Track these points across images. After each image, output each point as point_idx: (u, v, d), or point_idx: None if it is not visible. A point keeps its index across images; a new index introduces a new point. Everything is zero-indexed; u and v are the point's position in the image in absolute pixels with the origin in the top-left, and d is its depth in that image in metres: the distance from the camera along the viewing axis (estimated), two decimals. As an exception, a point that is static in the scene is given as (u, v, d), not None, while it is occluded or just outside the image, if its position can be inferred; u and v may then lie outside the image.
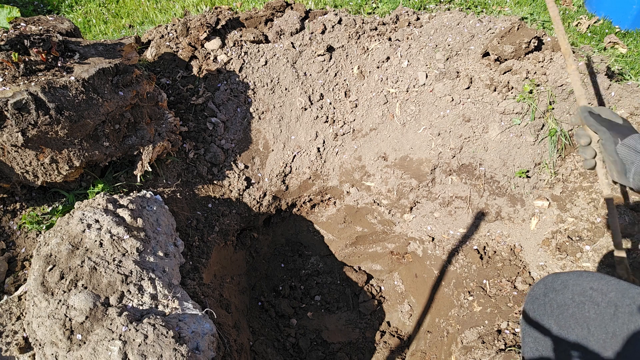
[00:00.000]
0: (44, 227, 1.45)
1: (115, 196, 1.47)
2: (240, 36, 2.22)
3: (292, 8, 2.39)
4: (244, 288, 2.10)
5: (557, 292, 0.87)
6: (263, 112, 2.17)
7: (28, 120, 1.23)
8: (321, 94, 2.22)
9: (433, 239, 2.06)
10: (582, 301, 0.82)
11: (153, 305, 1.23)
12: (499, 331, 1.60)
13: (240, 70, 2.15)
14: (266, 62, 2.18)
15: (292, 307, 2.23)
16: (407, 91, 2.16)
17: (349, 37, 2.28)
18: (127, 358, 1.06)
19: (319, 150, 2.21)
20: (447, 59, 2.15)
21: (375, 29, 2.36)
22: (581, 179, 1.90)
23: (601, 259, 1.67)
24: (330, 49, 2.25)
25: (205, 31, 2.15)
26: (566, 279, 0.88)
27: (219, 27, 2.21)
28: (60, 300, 1.13)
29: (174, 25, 2.29)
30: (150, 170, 1.70)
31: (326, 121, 2.22)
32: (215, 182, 2.01)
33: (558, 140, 1.92)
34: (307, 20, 2.37)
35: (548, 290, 0.90)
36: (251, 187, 2.09)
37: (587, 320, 0.80)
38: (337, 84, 2.26)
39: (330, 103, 2.24)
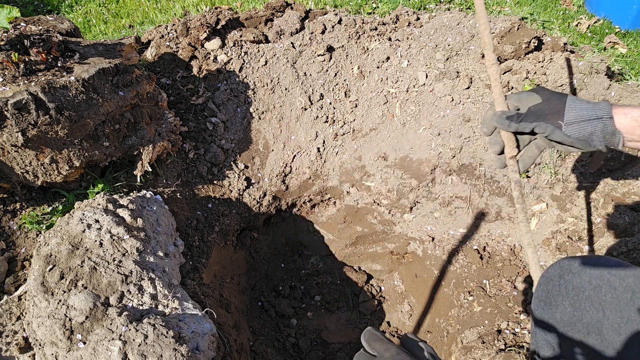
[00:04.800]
0: (44, 227, 1.45)
1: (115, 196, 1.47)
2: (240, 36, 2.22)
3: (292, 8, 2.39)
4: (244, 288, 2.10)
5: (574, 275, 0.87)
6: (263, 112, 2.17)
7: (28, 120, 1.23)
8: (321, 94, 2.22)
9: (433, 239, 2.06)
10: (599, 284, 0.82)
11: (153, 305, 1.23)
12: (499, 331, 1.60)
13: (240, 70, 2.15)
14: (266, 62, 2.18)
15: (292, 307, 2.23)
16: (407, 91, 2.16)
17: (349, 37, 2.28)
18: (127, 358, 1.06)
19: (319, 150, 2.21)
20: (447, 59, 2.15)
21: (375, 29, 2.36)
22: (581, 179, 1.90)
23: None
24: (330, 49, 2.25)
25: (205, 31, 2.15)
26: (583, 262, 0.88)
27: (219, 27, 2.21)
28: (60, 300, 1.13)
29: (174, 25, 2.29)
30: (150, 170, 1.70)
31: (326, 121, 2.22)
32: (215, 182, 2.01)
33: (558, 140, 1.92)
34: (307, 20, 2.37)
35: (564, 272, 0.90)
36: (251, 187, 2.09)
37: (603, 304, 0.80)
38: (337, 84, 2.26)
39: (330, 103, 2.24)
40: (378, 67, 2.26)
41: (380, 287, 2.34)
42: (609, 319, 0.79)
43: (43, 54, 1.40)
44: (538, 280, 0.96)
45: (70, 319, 1.10)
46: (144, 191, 1.60)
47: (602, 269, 0.84)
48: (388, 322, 2.21)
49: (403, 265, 2.27)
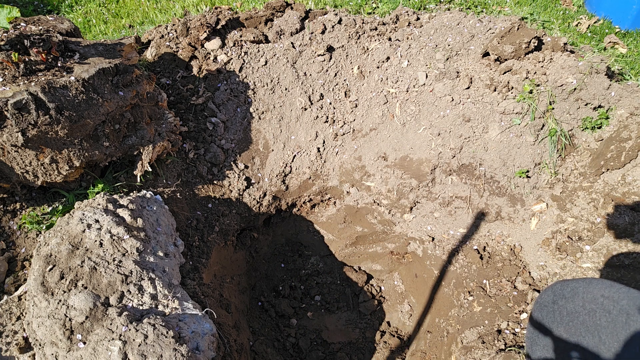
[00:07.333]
0: (44, 227, 1.45)
1: (115, 196, 1.47)
2: (240, 36, 2.22)
3: (292, 8, 2.39)
4: (244, 288, 2.10)
5: (567, 300, 0.86)
6: (263, 112, 2.17)
7: (28, 120, 1.23)
8: (321, 94, 2.22)
9: (433, 239, 2.06)
10: (593, 309, 0.82)
11: (153, 305, 1.23)
12: (499, 331, 1.60)
13: (240, 70, 2.15)
14: (266, 62, 2.18)
15: (292, 307, 2.23)
16: (407, 91, 2.16)
17: (349, 37, 2.28)
18: (127, 358, 1.06)
19: (319, 150, 2.21)
20: (447, 59, 2.15)
21: (375, 29, 2.36)
22: (581, 179, 1.90)
23: (601, 259, 1.67)
24: (330, 49, 2.25)
25: (205, 31, 2.15)
26: (576, 286, 0.87)
27: (219, 27, 2.21)
28: (60, 300, 1.13)
29: (174, 25, 2.29)
30: (150, 170, 1.70)
31: (326, 121, 2.22)
32: (215, 182, 2.01)
33: (558, 140, 1.92)
34: (307, 20, 2.37)
35: (557, 297, 0.89)
36: (251, 187, 2.09)
37: (599, 328, 0.79)
38: (337, 84, 2.26)
39: (330, 103, 2.24)
40: (378, 67, 2.26)
41: (380, 287, 2.35)
42: (606, 344, 0.78)
43: (43, 54, 1.40)
44: (532, 306, 0.94)
45: (70, 319, 1.10)
46: (144, 191, 1.60)
47: (594, 292, 0.83)
48: (388, 322, 2.21)
49: (403, 265, 2.27)
